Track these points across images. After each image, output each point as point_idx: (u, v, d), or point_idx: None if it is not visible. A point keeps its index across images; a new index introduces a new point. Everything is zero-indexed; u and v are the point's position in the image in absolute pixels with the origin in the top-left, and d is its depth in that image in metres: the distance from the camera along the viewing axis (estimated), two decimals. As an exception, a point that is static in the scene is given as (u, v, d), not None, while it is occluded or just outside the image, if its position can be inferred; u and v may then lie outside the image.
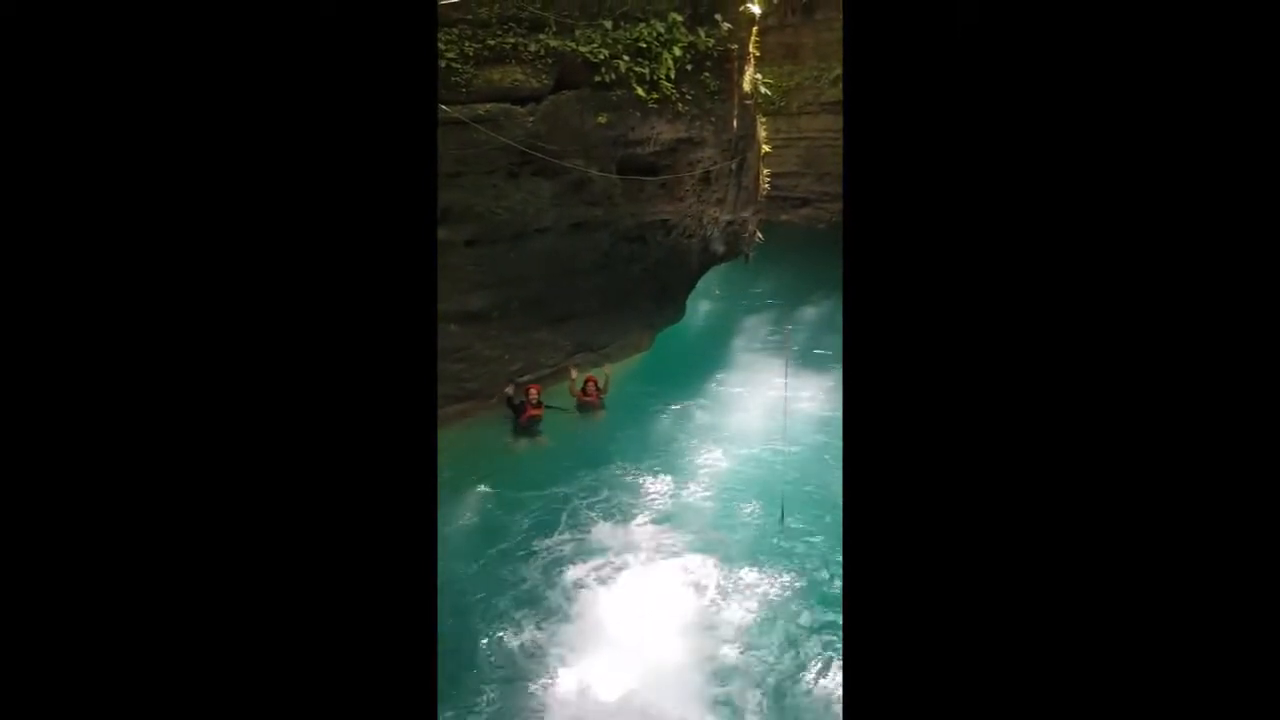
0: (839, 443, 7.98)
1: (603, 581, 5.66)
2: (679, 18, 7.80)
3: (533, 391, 8.15)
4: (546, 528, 6.38)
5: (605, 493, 6.95)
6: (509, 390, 8.18)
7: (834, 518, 6.43)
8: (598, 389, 8.65)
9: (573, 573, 5.75)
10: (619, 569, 5.81)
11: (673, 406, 8.90)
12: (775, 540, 6.19)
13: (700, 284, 11.02)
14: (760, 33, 9.72)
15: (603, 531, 6.32)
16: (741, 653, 4.96)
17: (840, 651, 4.95)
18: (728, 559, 5.90)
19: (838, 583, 5.68)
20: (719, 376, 10.07)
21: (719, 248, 10.20)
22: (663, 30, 7.70)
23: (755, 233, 10.79)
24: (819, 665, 4.86)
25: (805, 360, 10.44)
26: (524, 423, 8.04)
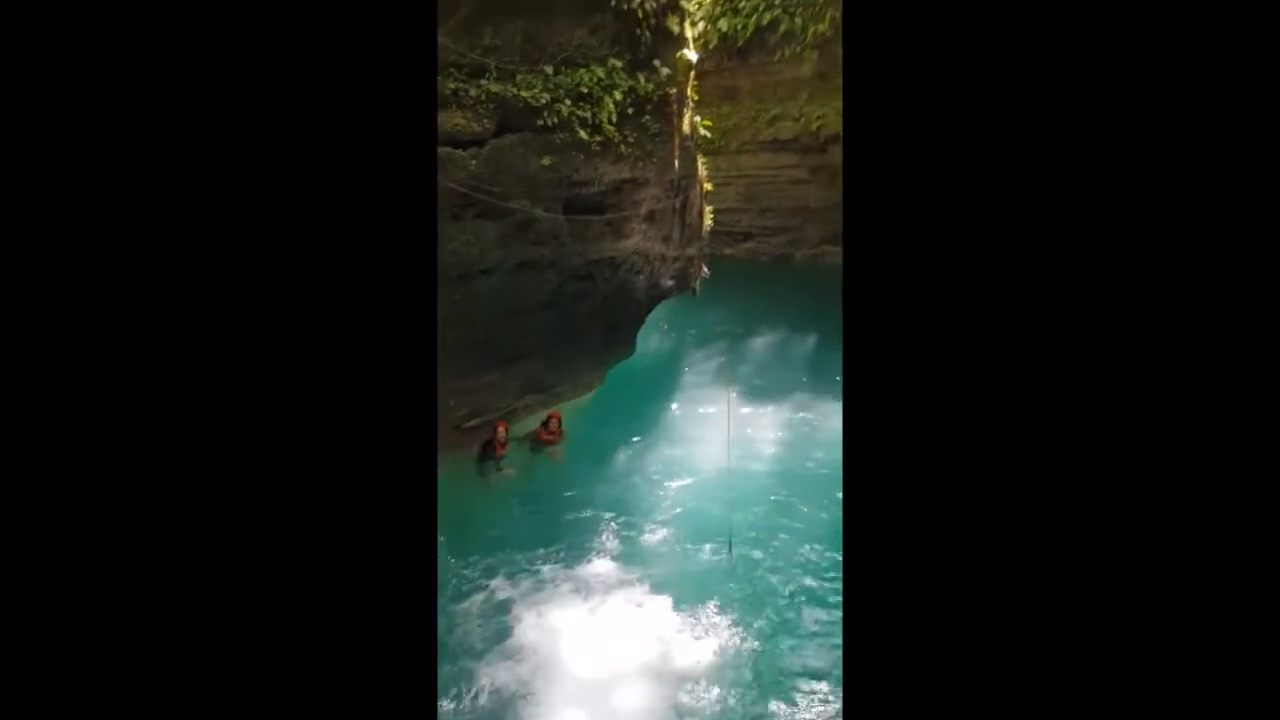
0: (787, 470, 8.01)
1: (557, 624, 5.52)
2: (619, 64, 7.99)
3: (500, 430, 8.14)
4: (500, 571, 6.22)
5: (559, 533, 6.83)
6: (485, 440, 8.19)
7: (781, 544, 6.48)
8: (560, 426, 8.58)
9: (526, 617, 5.60)
10: (575, 611, 5.69)
11: (626, 443, 8.87)
12: (730, 577, 6.17)
13: (649, 319, 11.10)
14: (698, 77, 10.04)
15: (557, 573, 6.19)
16: (702, 693, 4.89)
17: (804, 692, 4.94)
18: (685, 597, 5.84)
19: (790, 614, 5.69)
20: (670, 410, 10.11)
21: (667, 283, 10.33)
22: (603, 75, 7.87)
23: (701, 267, 10.98)
24: (784, 705, 4.82)
25: (754, 391, 10.58)
26: (499, 459, 8.05)
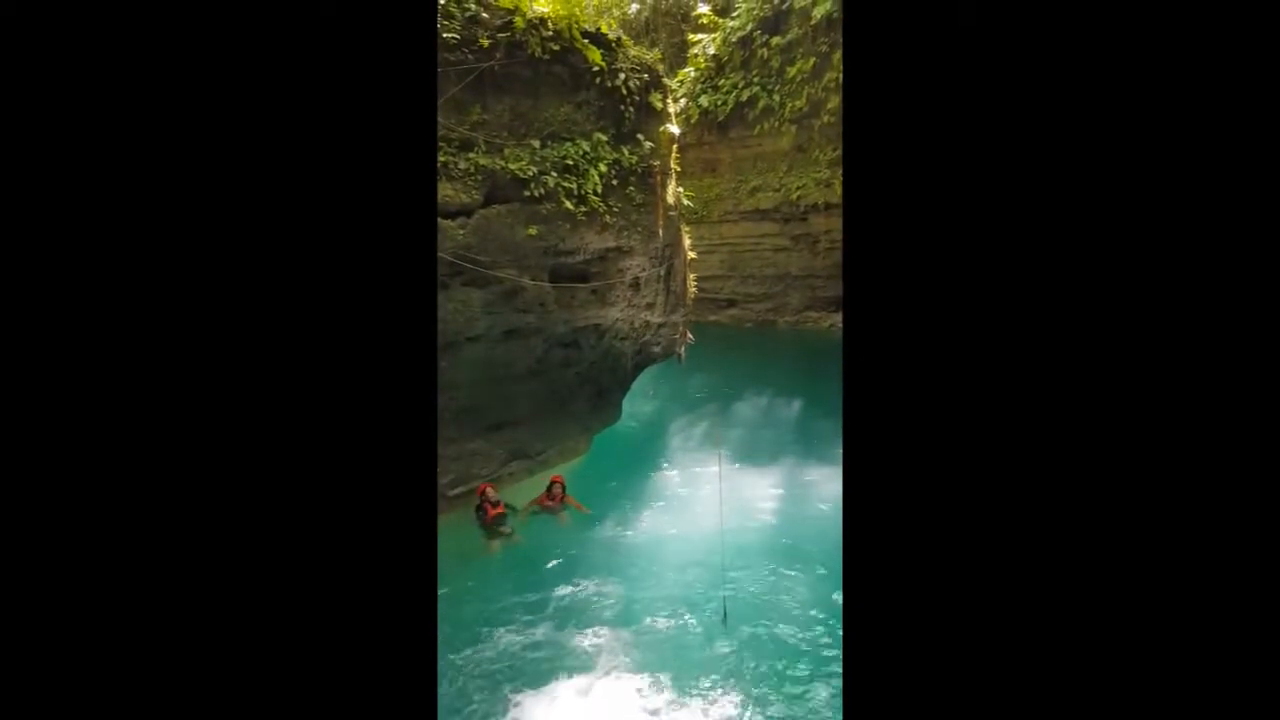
0: (781, 531, 7.84)
1: (545, 700, 5.25)
2: (603, 137, 8.28)
3: (489, 490, 8.01)
4: (483, 642, 5.95)
5: (549, 608, 6.59)
6: (478, 501, 8.07)
7: (777, 605, 6.28)
8: (564, 490, 8.49)
9: (511, 692, 5.33)
10: (564, 685, 5.43)
11: (614, 508, 8.70)
12: (725, 642, 5.95)
13: (635, 385, 11.10)
14: (680, 150, 10.40)
15: (544, 644, 5.94)
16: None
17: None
18: (679, 665, 5.61)
19: (788, 676, 5.48)
20: (659, 474, 9.97)
21: (652, 349, 10.39)
22: (588, 149, 8.14)
23: (686, 333, 11.09)
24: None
25: (743, 454, 10.50)
26: (489, 523, 7.87)
